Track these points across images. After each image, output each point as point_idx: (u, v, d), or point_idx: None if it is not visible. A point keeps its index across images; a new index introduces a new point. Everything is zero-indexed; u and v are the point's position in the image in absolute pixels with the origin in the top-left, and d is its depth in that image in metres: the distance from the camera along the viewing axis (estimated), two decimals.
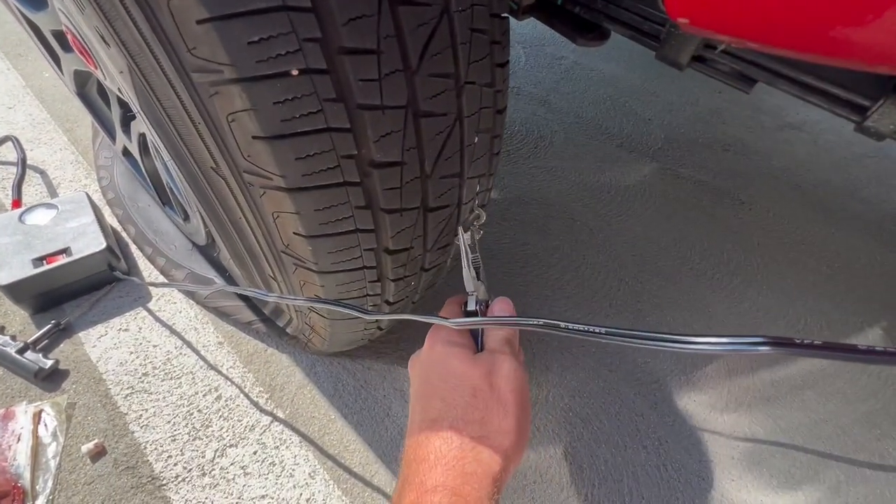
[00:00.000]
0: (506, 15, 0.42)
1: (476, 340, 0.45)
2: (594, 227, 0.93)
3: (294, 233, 0.37)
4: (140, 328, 0.75)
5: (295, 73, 0.29)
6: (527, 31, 1.46)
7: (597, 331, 0.23)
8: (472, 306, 0.48)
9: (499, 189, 0.99)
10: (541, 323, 0.24)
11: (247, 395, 0.68)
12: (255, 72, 0.28)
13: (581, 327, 0.23)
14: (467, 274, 0.47)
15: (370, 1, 0.29)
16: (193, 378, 0.70)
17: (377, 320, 0.55)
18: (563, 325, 0.23)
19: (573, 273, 0.86)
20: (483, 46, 0.38)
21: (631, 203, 0.99)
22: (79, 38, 0.55)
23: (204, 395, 0.68)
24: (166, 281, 0.79)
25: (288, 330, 0.68)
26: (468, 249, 0.47)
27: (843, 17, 0.17)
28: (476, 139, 0.42)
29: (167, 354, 0.72)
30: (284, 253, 0.41)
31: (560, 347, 0.76)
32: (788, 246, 0.93)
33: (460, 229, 0.48)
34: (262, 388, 0.69)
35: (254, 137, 0.31)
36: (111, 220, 0.88)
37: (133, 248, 0.85)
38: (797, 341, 0.18)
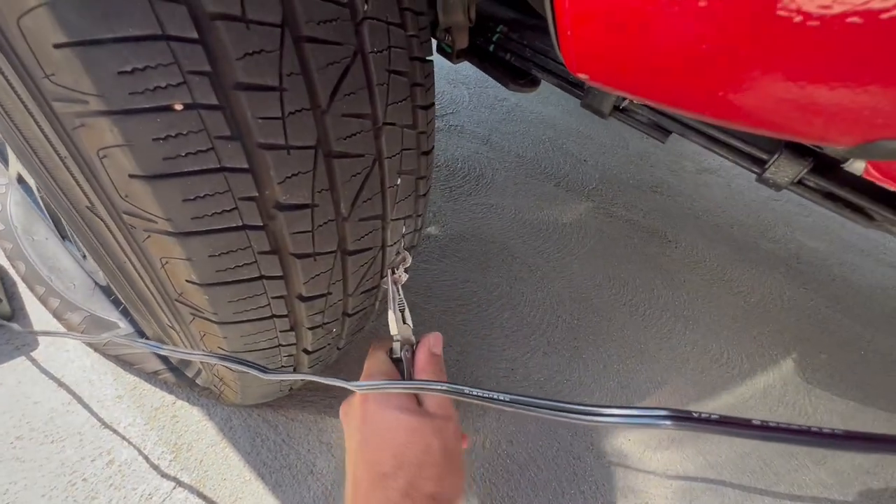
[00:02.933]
0: (430, 58, 0.42)
1: (402, 374, 0.45)
2: (532, 265, 0.94)
3: (187, 280, 0.33)
4: (19, 382, 0.64)
5: (179, 107, 0.26)
6: (470, 73, 1.51)
7: (500, 398, 0.21)
8: (397, 352, 0.47)
9: (440, 225, 0.99)
10: (445, 388, 0.22)
11: (146, 458, 0.60)
12: (129, 105, 0.24)
13: (484, 394, 0.21)
14: (392, 317, 0.45)
15: (270, 36, 0.27)
16: (81, 440, 0.60)
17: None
18: (467, 390, 0.21)
19: (511, 311, 0.85)
20: (402, 88, 0.37)
21: (568, 240, 1.01)
22: None
23: (92, 461, 0.59)
24: (50, 329, 0.69)
25: (198, 381, 0.61)
26: (394, 292, 0.46)
27: (717, 84, 0.17)
28: (399, 181, 0.41)
29: (51, 412, 0.62)
30: (179, 302, 0.36)
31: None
32: (710, 282, 0.98)
33: (388, 273, 0.47)
34: (165, 448, 0.61)
35: (131, 176, 0.27)
36: None
37: (22, 287, 0.75)
38: (695, 415, 0.17)
